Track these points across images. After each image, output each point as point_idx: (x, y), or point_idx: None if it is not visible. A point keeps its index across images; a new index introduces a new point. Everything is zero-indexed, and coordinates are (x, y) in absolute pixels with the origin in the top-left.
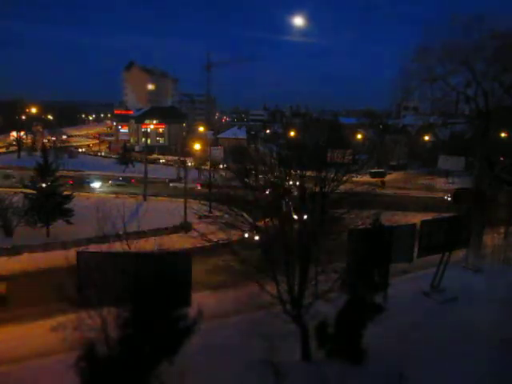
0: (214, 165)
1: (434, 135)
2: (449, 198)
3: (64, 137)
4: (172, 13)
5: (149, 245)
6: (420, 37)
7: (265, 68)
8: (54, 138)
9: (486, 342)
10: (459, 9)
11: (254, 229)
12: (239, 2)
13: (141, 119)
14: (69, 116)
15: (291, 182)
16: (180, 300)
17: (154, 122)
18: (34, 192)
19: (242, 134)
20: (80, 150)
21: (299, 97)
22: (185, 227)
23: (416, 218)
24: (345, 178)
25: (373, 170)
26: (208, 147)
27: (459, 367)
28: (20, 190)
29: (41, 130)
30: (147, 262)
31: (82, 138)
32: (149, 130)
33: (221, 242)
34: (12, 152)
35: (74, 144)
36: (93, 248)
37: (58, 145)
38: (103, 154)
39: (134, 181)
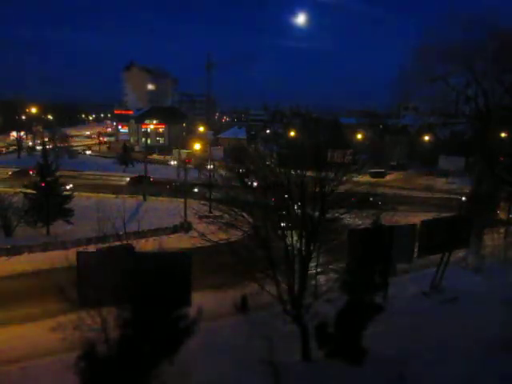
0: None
1: (434, 135)
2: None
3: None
4: (173, 13)
5: (149, 245)
6: (420, 37)
7: (265, 68)
8: (55, 137)
9: (486, 342)
10: (459, 9)
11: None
12: (239, 2)
13: (141, 119)
14: (69, 116)
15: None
16: (180, 300)
17: (154, 121)
18: (34, 192)
19: (241, 134)
20: (80, 149)
21: (299, 97)
22: (185, 227)
23: (416, 218)
24: (345, 178)
25: (373, 170)
26: (208, 147)
27: (459, 367)
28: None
29: (41, 130)
30: (147, 261)
31: (82, 138)
32: (149, 130)
33: (221, 242)
34: (12, 152)
35: (75, 144)
36: (93, 248)
37: (58, 144)
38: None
39: None
